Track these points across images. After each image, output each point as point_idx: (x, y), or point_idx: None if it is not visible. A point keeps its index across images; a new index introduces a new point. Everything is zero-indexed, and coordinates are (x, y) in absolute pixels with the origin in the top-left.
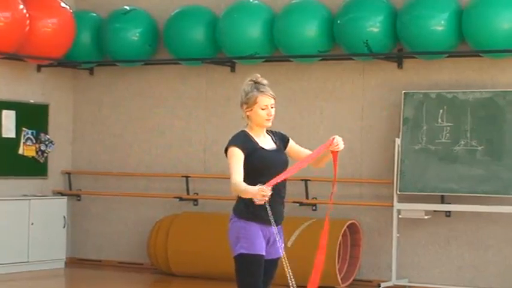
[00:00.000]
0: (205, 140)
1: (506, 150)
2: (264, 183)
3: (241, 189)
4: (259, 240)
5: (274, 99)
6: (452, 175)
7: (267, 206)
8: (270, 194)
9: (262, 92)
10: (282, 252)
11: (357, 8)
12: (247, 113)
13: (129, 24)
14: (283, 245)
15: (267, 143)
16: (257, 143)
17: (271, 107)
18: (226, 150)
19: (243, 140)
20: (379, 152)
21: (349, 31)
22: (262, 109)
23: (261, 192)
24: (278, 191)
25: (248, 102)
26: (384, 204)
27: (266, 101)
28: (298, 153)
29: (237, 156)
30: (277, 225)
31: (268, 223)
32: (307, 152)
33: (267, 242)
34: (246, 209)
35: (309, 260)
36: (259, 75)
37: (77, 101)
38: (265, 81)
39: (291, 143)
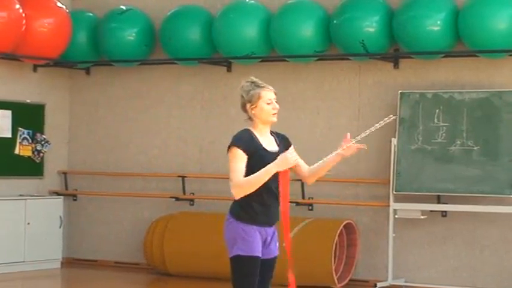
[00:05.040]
0: (202, 140)
1: (502, 150)
2: (264, 186)
3: (258, 177)
4: (257, 242)
5: (276, 94)
6: (448, 175)
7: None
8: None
9: (263, 87)
10: (277, 252)
11: (353, 8)
12: (253, 111)
13: (125, 24)
14: (277, 244)
15: (270, 143)
16: (260, 144)
17: (275, 101)
18: (228, 148)
19: (247, 140)
20: (375, 152)
21: (345, 31)
22: (268, 103)
23: (284, 161)
24: (273, 192)
25: (252, 100)
26: (380, 204)
27: (270, 95)
28: (296, 165)
29: (239, 158)
30: (273, 225)
31: (265, 224)
32: (304, 168)
33: (263, 243)
34: (243, 211)
35: (305, 260)
36: (254, 77)
37: (73, 101)
38: (260, 81)
39: (292, 150)
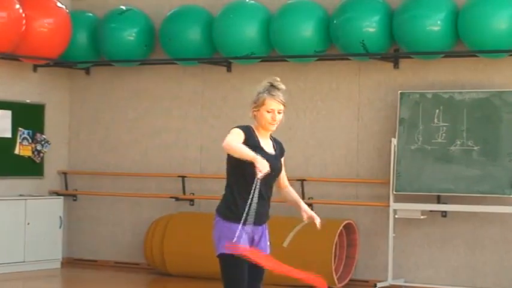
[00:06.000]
0: (202, 140)
1: (502, 150)
2: (250, 184)
3: (241, 148)
4: (242, 241)
5: (284, 105)
6: (448, 175)
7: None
8: (266, 171)
9: (272, 95)
10: (267, 250)
11: (353, 8)
12: (254, 113)
13: (125, 24)
14: (268, 243)
15: (267, 146)
16: (259, 142)
17: (278, 113)
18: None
19: (247, 131)
20: (375, 152)
21: (345, 31)
22: (268, 112)
23: (261, 164)
24: (262, 192)
25: (256, 102)
26: (380, 204)
27: (273, 105)
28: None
29: (237, 133)
30: (261, 225)
31: (251, 223)
32: (285, 180)
33: (251, 242)
34: (228, 210)
35: (304, 260)
36: (278, 79)
37: (73, 101)
38: (281, 86)
39: (282, 160)
